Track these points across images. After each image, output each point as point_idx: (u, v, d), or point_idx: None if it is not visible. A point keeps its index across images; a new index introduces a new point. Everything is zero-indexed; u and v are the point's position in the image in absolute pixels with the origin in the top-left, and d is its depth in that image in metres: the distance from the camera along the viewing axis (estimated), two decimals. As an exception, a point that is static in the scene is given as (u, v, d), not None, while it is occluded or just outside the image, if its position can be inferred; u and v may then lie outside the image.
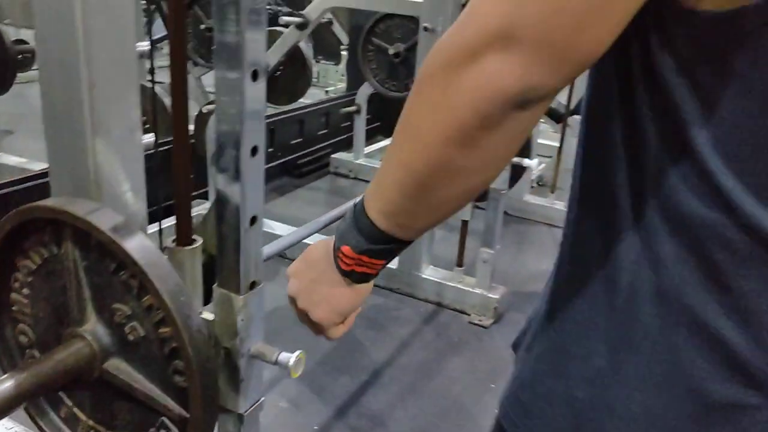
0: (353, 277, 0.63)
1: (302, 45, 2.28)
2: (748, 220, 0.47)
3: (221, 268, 0.88)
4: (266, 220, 2.70)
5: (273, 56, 2.23)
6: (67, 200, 0.84)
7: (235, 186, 0.85)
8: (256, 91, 0.80)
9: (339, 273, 0.63)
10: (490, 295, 2.15)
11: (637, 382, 0.53)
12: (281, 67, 2.28)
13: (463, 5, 1.43)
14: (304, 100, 4.42)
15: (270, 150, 3.24)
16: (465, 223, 2.19)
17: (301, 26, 2.13)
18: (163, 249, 0.90)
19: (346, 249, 0.60)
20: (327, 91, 5.60)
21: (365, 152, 3.62)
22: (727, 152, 0.47)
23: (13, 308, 0.84)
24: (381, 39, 3.04)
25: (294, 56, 2.28)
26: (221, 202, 0.88)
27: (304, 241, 1.54)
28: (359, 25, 3.34)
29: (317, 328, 0.70)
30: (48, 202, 0.82)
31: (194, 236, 0.91)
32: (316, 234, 1.58)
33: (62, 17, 0.80)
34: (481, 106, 0.45)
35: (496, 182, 2.04)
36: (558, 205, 3.08)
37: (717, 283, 0.49)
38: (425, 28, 1.92)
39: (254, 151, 0.82)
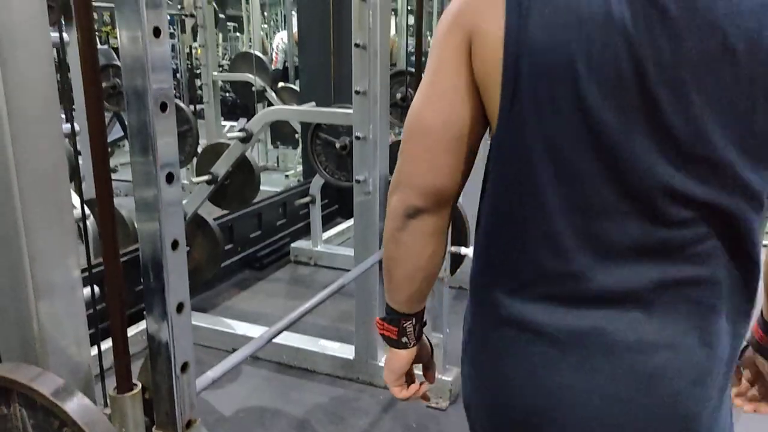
0: (385, 340, 0.92)
1: (248, 156, 2.44)
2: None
3: (157, 412, 0.98)
4: (225, 320, 2.77)
5: (222, 167, 2.38)
6: (13, 367, 0.93)
7: (164, 331, 0.95)
8: (171, 194, 0.92)
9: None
10: (445, 378, 2.24)
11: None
12: (229, 177, 2.42)
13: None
14: (264, 188, 4.59)
15: (230, 246, 3.35)
16: (414, 309, 2.30)
17: (244, 140, 2.29)
18: (105, 399, 1.00)
19: (377, 319, 0.92)
20: (287, 175, 5.78)
21: (324, 238, 3.74)
22: None
23: (-35, 473, 0.92)
24: (327, 134, 3.22)
25: (241, 165, 2.43)
26: (153, 349, 0.98)
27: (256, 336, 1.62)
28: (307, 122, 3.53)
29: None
30: (-4, 371, 0.92)
31: (134, 381, 1.01)
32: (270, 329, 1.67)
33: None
34: (393, 218, 0.81)
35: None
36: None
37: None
38: (357, 137, 2.10)
39: (180, 307, 0.93)
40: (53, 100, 0.92)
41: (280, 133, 5.78)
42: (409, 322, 0.90)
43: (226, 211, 3.19)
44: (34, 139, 0.89)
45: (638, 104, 0.65)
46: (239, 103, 6.19)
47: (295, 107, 3.09)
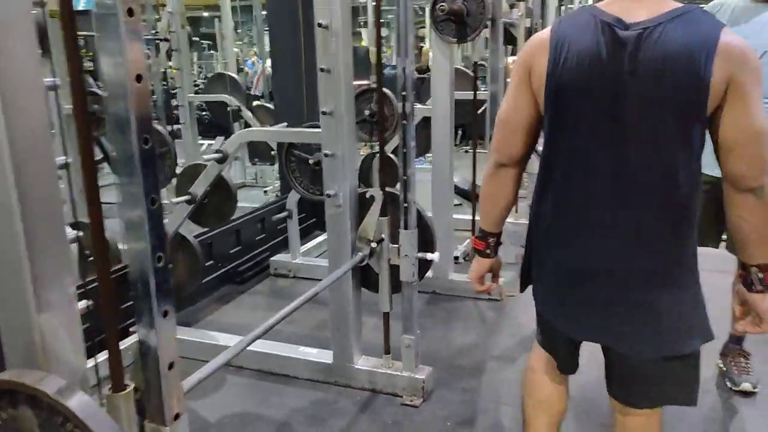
0: (476, 252, 1.53)
1: (225, 175, 2.57)
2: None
3: (148, 407, 1.11)
4: (209, 332, 2.89)
5: (199, 188, 2.51)
6: (19, 372, 1.06)
7: (152, 335, 1.09)
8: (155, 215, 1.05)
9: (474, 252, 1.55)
10: (417, 376, 2.39)
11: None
12: (207, 196, 2.54)
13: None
14: (243, 204, 4.70)
15: (210, 262, 3.47)
16: (386, 314, 2.44)
17: (220, 160, 2.42)
18: (102, 402, 1.13)
19: (472, 238, 1.63)
20: (266, 191, 5.90)
21: (302, 251, 3.87)
22: None
23: (-18, 466, 1.05)
24: (301, 151, 3.36)
25: (219, 184, 2.56)
26: (143, 352, 1.11)
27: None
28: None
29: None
30: (4, 376, 1.05)
31: (126, 382, 1.14)
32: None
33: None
34: (488, 168, 1.45)
35: (407, 275, 2.32)
36: (479, 280, 3.38)
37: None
38: (326, 155, 2.25)
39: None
40: (47, 135, 1.05)
41: (257, 150, 5.91)
42: (492, 239, 1.50)
43: (206, 229, 3.31)
44: (33, 171, 1.03)
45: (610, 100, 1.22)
46: (215, 122, 6.32)
47: (267, 128, 3.23)
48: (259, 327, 1.77)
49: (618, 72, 1.20)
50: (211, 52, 12.22)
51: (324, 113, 2.22)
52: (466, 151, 7.23)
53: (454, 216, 3.77)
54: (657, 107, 1.19)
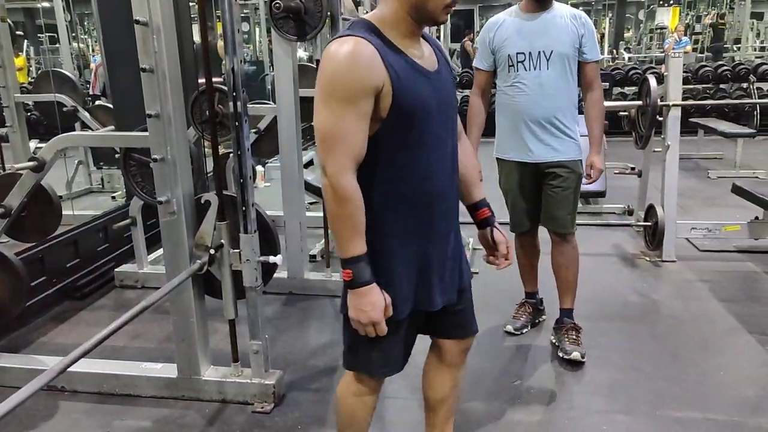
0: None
1: (45, 184, 2.35)
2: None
3: None
4: (37, 357, 2.65)
5: (14, 200, 2.27)
6: None
7: None
8: None
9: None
10: (267, 382, 2.34)
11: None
12: (25, 208, 2.31)
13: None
14: (88, 212, 4.35)
15: (42, 279, 3.18)
16: (232, 321, 2.37)
17: (36, 169, 2.21)
18: None
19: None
20: (114, 197, 5.52)
21: (150, 259, 3.67)
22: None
23: None
24: (141, 154, 3.16)
25: (38, 195, 2.34)
26: None
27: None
28: (119, 142, 3.43)
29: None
30: None
31: None
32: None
33: None
34: None
35: (250, 280, 2.26)
36: (335, 277, 3.40)
37: None
38: (154, 159, 2.12)
39: None
40: None
41: (101, 153, 5.51)
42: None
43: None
44: None
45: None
46: (48, 124, 5.81)
47: (88, 133, 3.01)
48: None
49: None
50: (57, 46, 11.19)
51: (150, 116, 2.10)
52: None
53: (309, 214, 3.75)
54: None
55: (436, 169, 1.42)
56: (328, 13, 2.99)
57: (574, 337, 2.65)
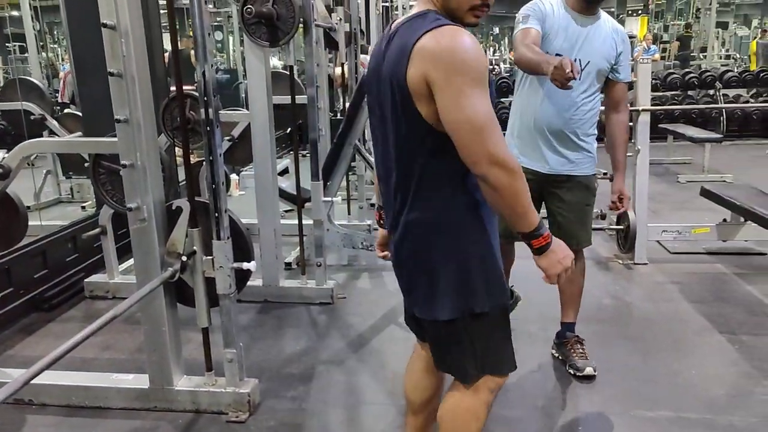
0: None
1: (11, 192, 2.29)
2: None
3: None
4: (5, 370, 2.57)
5: (-22, 208, 2.21)
6: None
7: None
8: None
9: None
10: (241, 391, 2.30)
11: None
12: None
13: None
14: (56, 222, 4.26)
15: (9, 290, 3.09)
16: (205, 330, 2.33)
17: (1, 176, 2.15)
18: None
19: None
20: (83, 207, 5.43)
21: (121, 269, 3.60)
22: None
23: None
24: (110, 161, 3.10)
25: (3, 203, 2.28)
26: None
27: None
28: (89, 150, 3.36)
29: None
30: None
31: None
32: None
33: None
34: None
35: (223, 287, 2.23)
36: (310, 284, 3.37)
37: None
38: (123, 165, 2.09)
39: None
40: None
41: (70, 162, 5.41)
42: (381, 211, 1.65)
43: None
44: None
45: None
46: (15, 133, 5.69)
47: (54, 139, 2.95)
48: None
49: (378, 68, 1.36)
50: (26, 55, 10.96)
51: (119, 121, 2.07)
52: (304, 156, 7.19)
53: (284, 221, 3.72)
54: (385, 101, 1.35)
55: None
56: (301, 19, 2.98)
57: (581, 350, 2.58)
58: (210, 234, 2.20)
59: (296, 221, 3.47)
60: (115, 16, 1.96)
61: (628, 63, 2.41)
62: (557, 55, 2.16)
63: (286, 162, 5.78)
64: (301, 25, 3.03)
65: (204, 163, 2.12)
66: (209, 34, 2.04)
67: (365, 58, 6.18)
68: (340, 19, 4.14)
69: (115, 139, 2.13)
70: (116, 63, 2.00)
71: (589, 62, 2.28)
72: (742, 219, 3.76)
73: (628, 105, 2.39)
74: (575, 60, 2.23)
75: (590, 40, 2.28)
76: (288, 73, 3.32)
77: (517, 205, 1.27)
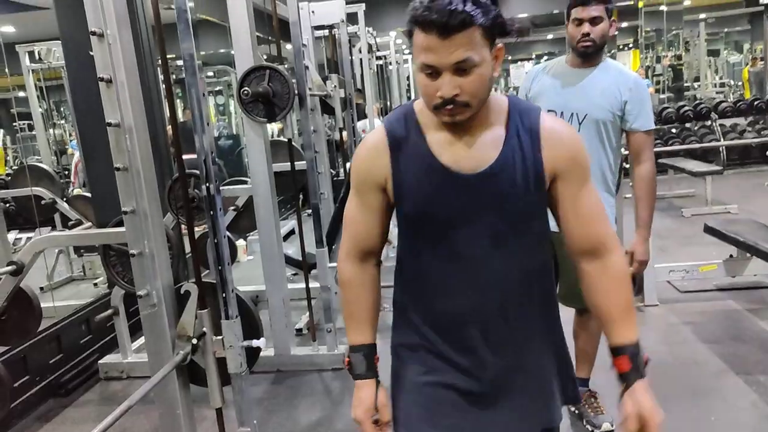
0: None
1: (24, 285, 2.35)
2: None
3: None
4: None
5: (-7, 304, 2.27)
6: None
7: None
8: None
9: None
10: (258, 469, 2.30)
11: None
12: (5, 312, 2.31)
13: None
14: (70, 302, 4.32)
15: (25, 378, 3.12)
16: (219, 410, 2.34)
17: (15, 272, 2.22)
18: None
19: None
20: (96, 284, 5.49)
21: (135, 348, 3.62)
22: None
23: None
24: (120, 243, 3.18)
25: (17, 298, 2.34)
26: None
27: None
28: (98, 232, 3.44)
29: None
30: None
31: None
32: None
33: None
34: None
35: (234, 366, 2.25)
36: (321, 350, 3.38)
37: None
38: (132, 255, 2.15)
39: None
40: None
41: (82, 241, 5.50)
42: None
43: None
44: None
45: None
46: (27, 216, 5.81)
47: (66, 233, 3.04)
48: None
49: None
50: (34, 133, 11.24)
51: (126, 212, 2.14)
52: (308, 215, 7.28)
53: (292, 286, 3.76)
54: None
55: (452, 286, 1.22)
56: (296, 93, 3.09)
57: (596, 405, 2.54)
58: (218, 314, 2.24)
59: (302, 285, 3.50)
60: (119, 114, 2.05)
61: (644, 110, 2.23)
62: (549, 112, 2.11)
63: (291, 223, 5.86)
64: (295, 98, 3.14)
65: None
66: (204, 114, 2.13)
67: (363, 125, 6.34)
68: (335, 86, 4.27)
69: (123, 229, 2.20)
70: (121, 158, 2.09)
71: (586, 115, 2.20)
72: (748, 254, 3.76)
73: (652, 156, 2.27)
74: (570, 114, 2.20)
75: (585, 92, 2.22)
76: (286, 140, 3.42)
77: (343, 311, 1.35)
